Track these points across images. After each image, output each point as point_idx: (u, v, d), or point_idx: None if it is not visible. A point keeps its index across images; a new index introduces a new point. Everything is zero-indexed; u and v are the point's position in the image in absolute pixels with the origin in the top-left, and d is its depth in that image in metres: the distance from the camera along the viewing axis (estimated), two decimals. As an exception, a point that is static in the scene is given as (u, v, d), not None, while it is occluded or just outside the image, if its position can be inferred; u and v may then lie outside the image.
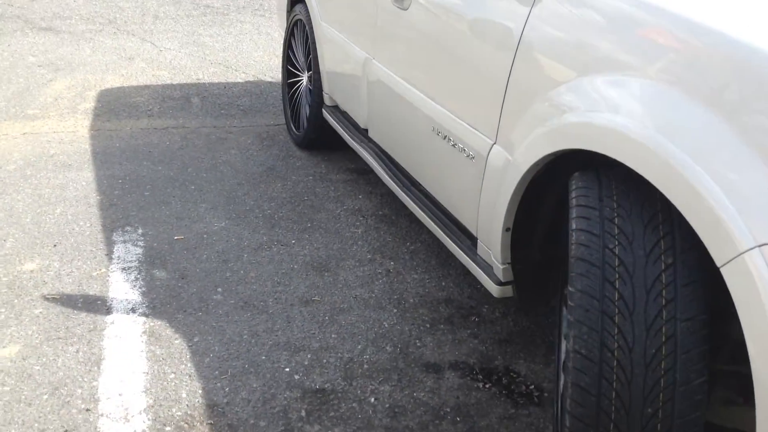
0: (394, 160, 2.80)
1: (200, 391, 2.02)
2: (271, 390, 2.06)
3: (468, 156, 2.13)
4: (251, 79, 5.14)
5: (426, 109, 2.36)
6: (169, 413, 1.95)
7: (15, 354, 2.14)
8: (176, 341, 2.23)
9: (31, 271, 2.59)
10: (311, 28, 3.59)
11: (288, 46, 4.09)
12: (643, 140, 1.42)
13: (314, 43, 3.56)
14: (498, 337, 2.33)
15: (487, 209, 2.04)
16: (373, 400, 2.03)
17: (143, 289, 2.51)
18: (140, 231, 2.92)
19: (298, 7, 3.81)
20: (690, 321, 1.36)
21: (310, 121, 3.72)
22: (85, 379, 2.06)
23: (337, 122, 3.35)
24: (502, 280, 2.06)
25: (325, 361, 2.17)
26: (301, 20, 3.78)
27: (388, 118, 2.72)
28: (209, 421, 1.92)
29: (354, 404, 2.01)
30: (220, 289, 2.54)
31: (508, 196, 1.91)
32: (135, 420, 1.92)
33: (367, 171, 3.62)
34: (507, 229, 1.97)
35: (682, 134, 1.37)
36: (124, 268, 2.64)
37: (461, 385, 2.10)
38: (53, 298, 2.43)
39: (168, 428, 1.90)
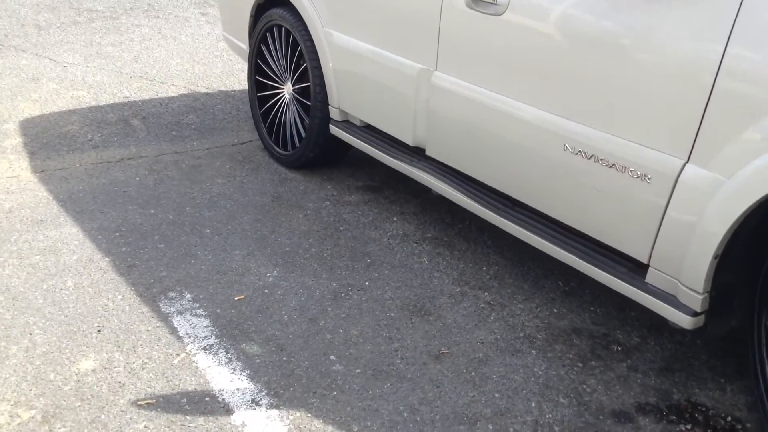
0: (478, 181, 2.53)
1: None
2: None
3: (638, 177, 1.93)
4: (184, 91, 4.60)
5: (553, 128, 2.14)
6: None
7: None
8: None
9: (94, 371, 2.07)
10: (306, 35, 3.19)
11: (257, 55, 3.64)
12: None
13: (311, 52, 3.18)
14: (656, 366, 2.18)
15: (673, 235, 1.86)
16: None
17: (247, 371, 2.09)
18: (188, 296, 2.45)
19: (275, 12, 3.39)
20: None
21: (309, 139, 3.34)
22: None
23: (360, 139, 3.01)
24: (699, 311, 1.89)
25: (512, 429, 1.90)
26: (281, 26, 3.36)
27: (469, 136, 2.46)
28: None
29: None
30: (333, 357, 2.18)
31: (728, 222, 1.73)
32: None
33: (379, 187, 3.33)
34: (716, 257, 1.79)
35: None
36: (205, 348, 2.19)
37: (663, 430, 1.91)
38: (148, 404, 1.95)
39: None
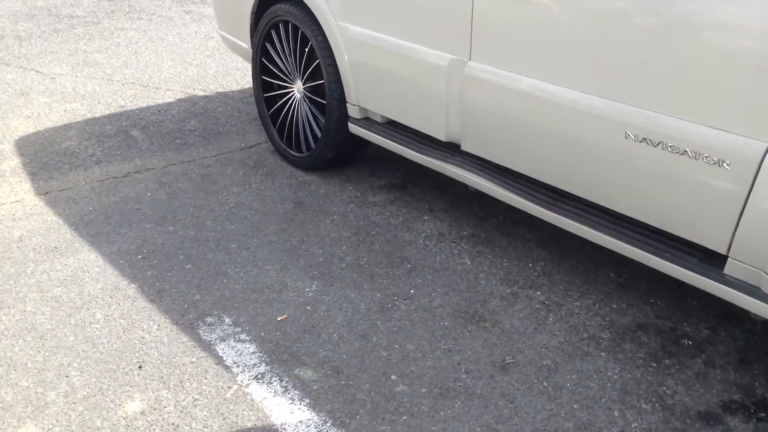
0: (519, 173, 2.39)
1: None
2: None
3: (714, 163, 1.79)
4: (181, 96, 4.41)
5: (613, 115, 1.99)
6: None
7: None
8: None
9: (143, 413, 1.92)
10: (318, 30, 3.03)
11: (261, 54, 3.47)
12: None
13: (323, 48, 3.01)
14: (732, 359, 2.08)
15: (758, 223, 1.72)
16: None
17: (306, 400, 1.96)
18: (227, 320, 2.30)
19: (280, 7, 3.22)
20: None
21: (327, 139, 3.18)
22: None
23: (384, 137, 2.87)
24: None
25: None
26: (288, 22, 3.18)
27: (512, 128, 2.33)
28: None
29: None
30: (394, 377, 2.04)
31: None
32: None
33: (403, 185, 3.21)
34: None
35: None
36: (256, 378, 2.04)
37: (755, 429, 1.80)
38: None
39: None
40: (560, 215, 2.24)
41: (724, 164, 1.81)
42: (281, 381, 2.05)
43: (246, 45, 3.74)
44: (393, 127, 2.96)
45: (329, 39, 3.03)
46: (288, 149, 3.49)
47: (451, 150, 2.71)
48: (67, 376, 2.09)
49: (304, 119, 3.36)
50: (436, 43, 2.54)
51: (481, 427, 1.87)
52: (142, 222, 2.97)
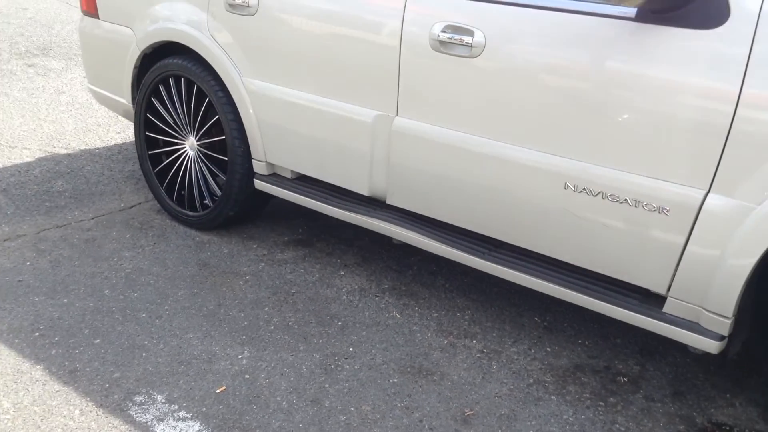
0: (450, 225, 2.45)
1: None
2: None
3: (654, 210, 1.96)
4: (41, 154, 4.08)
5: (552, 166, 2.10)
6: None
7: None
8: None
9: None
10: (218, 86, 2.96)
11: (146, 109, 3.32)
12: None
13: (225, 104, 2.95)
14: (667, 392, 2.24)
15: (698, 265, 1.90)
16: None
17: None
18: (159, 398, 2.13)
19: (171, 62, 3.10)
20: None
21: (228, 196, 3.08)
22: None
23: (297, 193, 2.83)
24: (726, 334, 1.95)
25: None
26: (182, 77, 3.08)
27: (444, 182, 2.38)
28: None
29: None
30: None
31: (762, 248, 1.79)
32: None
33: (308, 240, 3.19)
34: (747, 281, 1.86)
35: None
36: None
37: None
38: None
39: None
40: (500, 265, 2.30)
41: (665, 211, 1.95)
42: None
43: (124, 100, 3.54)
44: (306, 183, 2.91)
45: (233, 95, 2.94)
46: (180, 209, 3.30)
47: (373, 204, 2.69)
48: (-17, 481, 1.79)
49: (197, 176, 3.21)
50: (359, 100, 2.54)
51: (462, 485, 1.83)
52: (29, 295, 2.67)
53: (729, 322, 1.92)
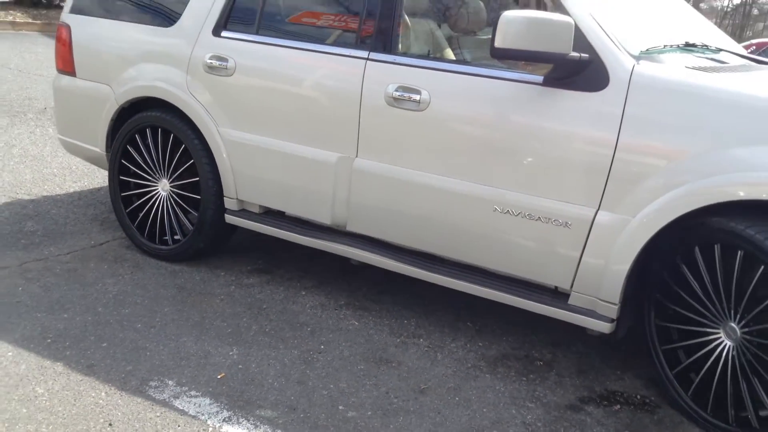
0: (401, 246, 3.06)
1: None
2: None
3: (560, 224, 2.67)
4: (6, 200, 4.46)
5: (484, 194, 2.77)
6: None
7: None
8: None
9: None
10: (194, 135, 3.53)
11: (121, 156, 3.83)
12: None
13: (200, 150, 3.52)
14: (573, 371, 2.87)
15: (594, 264, 2.59)
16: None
17: (279, 431, 2.36)
18: (170, 383, 2.60)
19: (150, 115, 3.64)
20: None
21: (200, 231, 3.60)
22: None
23: (265, 224, 3.39)
24: (615, 318, 2.66)
25: (512, 430, 2.46)
26: (158, 127, 3.63)
27: (397, 210, 2.99)
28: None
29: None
30: (341, 407, 2.52)
31: (637, 247, 2.52)
32: None
33: (268, 269, 3.71)
34: (629, 273, 2.58)
35: None
36: (225, 420, 2.39)
37: (606, 414, 2.60)
38: None
39: None
40: (443, 275, 2.92)
41: (568, 225, 2.66)
42: (248, 421, 2.40)
43: (97, 149, 4.01)
44: (272, 216, 3.47)
45: (209, 143, 3.49)
46: (151, 243, 3.77)
47: (334, 233, 3.29)
48: (39, 440, 2.22)
49: (169, 215, 3.70)
50: (324, 145, 3.16)
51: (426, 432, 2.41)
52: (30, 312, 3.07)
53: (616, 307, 2.61)
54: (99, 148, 3.97)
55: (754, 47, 10.84)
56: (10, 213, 4.19)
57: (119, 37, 3.73)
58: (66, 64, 4.03)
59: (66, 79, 4.05)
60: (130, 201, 3.81)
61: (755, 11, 29.86)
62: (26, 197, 4.49)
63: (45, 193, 4.61)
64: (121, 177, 3.79)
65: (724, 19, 29.06)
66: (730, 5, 30.16)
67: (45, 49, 10.78)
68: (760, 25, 29.47)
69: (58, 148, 5.57)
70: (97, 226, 4.12)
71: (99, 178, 5.08)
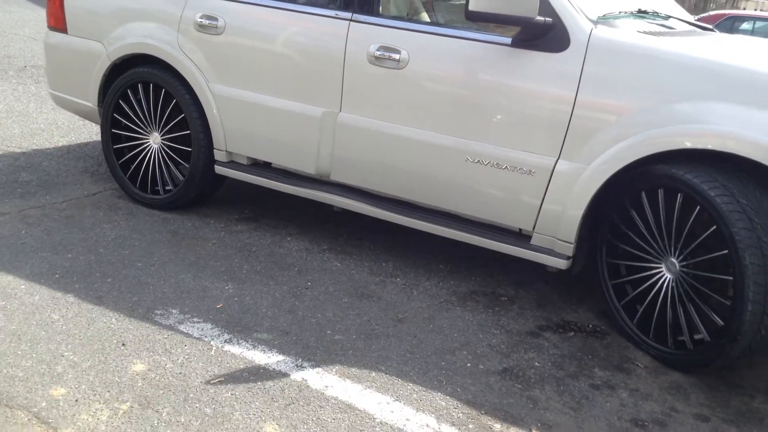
0: (380, 194, 3.35)
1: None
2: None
3: (525, 172, 3.00)
4: (-2, 152, 4.66)
5: (457, 146, 3.07)
6: None
7: None
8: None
9: (149, 371, 2.48)
10: (185, 90, 3.75)
11: (114, 110, 4.06)
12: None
13: (190, 105, 3.75)
14: (533, 305, 3.22)
15: (553, 207, 2.91)
16: (538, 364, 2.77)
17: (275, 350, 2.66)
18: (174, 311, 2.90)
19: (141, 71, 3.86)
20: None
21: (192, 181, 3.86)
22: None
23: (253, 174, 3.66)
24: (571, 255, 3.01)
25: (479, 351, 2.81)
26: (150, 82, 3.85)
27: (378, 161, 3.27)
28: None
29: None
30: (329, 331, 2.85)
31: (591, 192, 2.87)
32: None
33: (255, 217, 3.97)
34: (584, 215, 2.93)
35: None
36: (227, 341, 2.70)
37: (561, 339, 2.96)
38: (219, 381, 2.45)
39: None
40: (419, 220, 3.24)
41: (531, 172, 2.99)
42: (247, 342, 2.71)
43: (89, 103, 4.23)
44: (259, 167, 3.75)
45: (200, 97, 3.74)
46: (143, 193, 4.03)
47: (318, 182, 3.58)
48: (62, 356, 2.51)
49: (158, 167, 3.95)
50: (310, 100, 3.44)
51: (404, 351, 2.74)
52: (36, 252, 3.32)
53: (572, 246, 2.96)
54: (91, 102, 4.18)
55: (709, 20, 11.34)
56: (3, 164, 4.39)
57: (112, -4, 3.93)
58: (57, 22, 4.21)
59: (57, 36, 4.23)
60: (122, 153, 4.04)
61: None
62: (17, 150, 4.69)
63: (35, 147, 4.81)
64: (113, 130, 4.00)
65: (688, -8, 29.56)
66: (695, -22, 30.66)
67: (19, 8, 10.75)
68: (724, -2, 30.05)
69: (43, 104, 5.74)
70: (88, 178, 4.34)
71: (85, 132, 5.29)
